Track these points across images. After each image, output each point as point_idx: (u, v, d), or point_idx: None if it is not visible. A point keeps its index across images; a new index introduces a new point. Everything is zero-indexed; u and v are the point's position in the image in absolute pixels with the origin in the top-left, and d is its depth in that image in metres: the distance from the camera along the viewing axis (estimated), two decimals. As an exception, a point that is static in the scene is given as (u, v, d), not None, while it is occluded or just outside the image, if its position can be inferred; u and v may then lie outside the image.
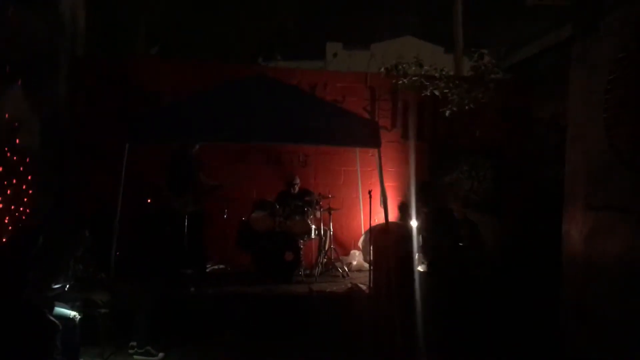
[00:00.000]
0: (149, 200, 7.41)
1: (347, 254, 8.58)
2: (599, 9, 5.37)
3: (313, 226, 7.76)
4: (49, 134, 7.00)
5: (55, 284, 5.00)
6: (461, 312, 6.20)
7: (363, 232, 8.52)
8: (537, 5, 6.37)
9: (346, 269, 7.97)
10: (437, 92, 8.68)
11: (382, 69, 9.04)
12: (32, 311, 4.54)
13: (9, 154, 5.83)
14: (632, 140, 4.76)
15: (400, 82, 8.80)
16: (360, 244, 8.60)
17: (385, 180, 6.84)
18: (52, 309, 4.71)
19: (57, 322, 4.59)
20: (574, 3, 5.88)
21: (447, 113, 8.58)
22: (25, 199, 6.16)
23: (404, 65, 8.94)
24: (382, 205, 6.67)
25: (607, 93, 5.06)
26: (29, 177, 6.26)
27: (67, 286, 5.11)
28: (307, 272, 7.74)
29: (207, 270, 7.60)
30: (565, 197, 5.73)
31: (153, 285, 5.98)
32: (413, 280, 6.30)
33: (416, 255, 6.97)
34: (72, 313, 4.90)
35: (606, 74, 5.09)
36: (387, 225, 6.55)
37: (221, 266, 8.02)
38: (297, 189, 8.06)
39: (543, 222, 7.00)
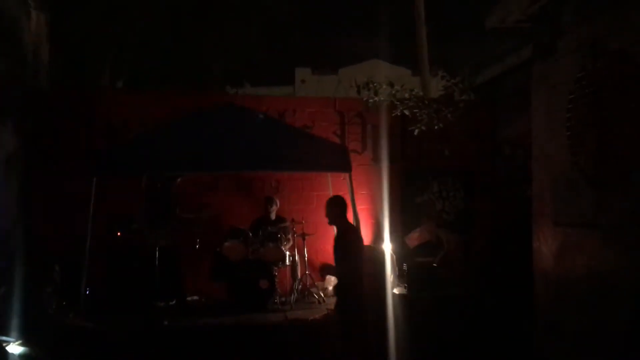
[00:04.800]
0: (118, 234, 7.28)
1: (323, 279, 8.53)
2: (557, 30, 5.52)
3: (287, 253, 7.71)
4: (13, 169, 6.85)
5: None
6: (437, 333, 6.21)
7: (338, 257, 8.47)
8: (496, 28, 6.52)
9: (322, 294, 7.90)
10: (407, 112, 8.76)
11: (354, 86, 9.09)
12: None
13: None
14: (594, 157, 4.87)
15: (372, 100, 8.88)
16: (335, 268, 8.55)
17: (357, 203, 6.84)
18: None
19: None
20: (533, 25, 6.03)
21: (416, 131, 8.65)
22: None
23: (375, 85, 9.03)
24: (355, 229, 6.67)
25: (568, 112, 5.19)
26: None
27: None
28: (283, 299, 7.66)
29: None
30: (533, 214, 5.82)
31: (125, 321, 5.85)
32: (386, 303, 6.29)
33: (391, 278, 6.96)
34: (38, 353, 4.77)
35: (566, 93, 5.23)
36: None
37: (195, 297, 7.88)
38: (275, 210, 8.04)
39: (513, 240, 7.09)
